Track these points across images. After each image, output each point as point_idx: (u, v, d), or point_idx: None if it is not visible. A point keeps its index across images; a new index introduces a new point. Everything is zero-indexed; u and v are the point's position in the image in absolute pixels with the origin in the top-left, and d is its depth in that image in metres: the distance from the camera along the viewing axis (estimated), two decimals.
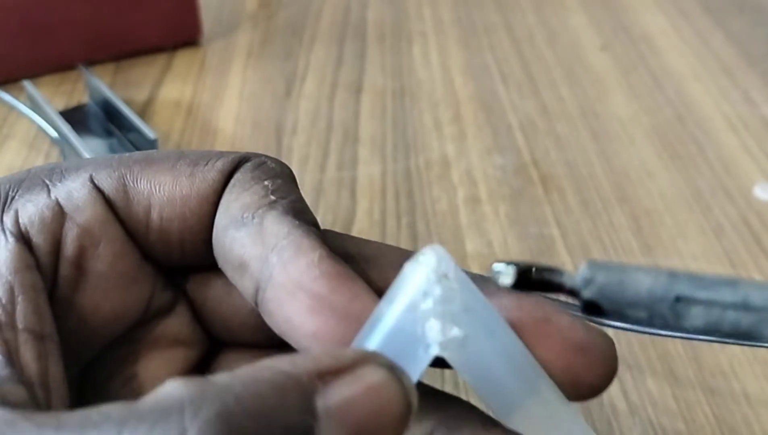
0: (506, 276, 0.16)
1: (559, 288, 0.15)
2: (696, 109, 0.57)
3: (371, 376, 0.16)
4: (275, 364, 0.16)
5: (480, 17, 0.70)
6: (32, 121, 0.53)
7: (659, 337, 0.39)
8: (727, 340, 0.34)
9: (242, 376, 0.16)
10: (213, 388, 0.15)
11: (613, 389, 0.37)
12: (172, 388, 0.15)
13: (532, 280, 0.16)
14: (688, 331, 0.14)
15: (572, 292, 0.15)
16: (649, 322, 0.14)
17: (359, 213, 0.48)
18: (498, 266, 0.16)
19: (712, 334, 0.14)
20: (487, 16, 0.70)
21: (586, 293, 0.15)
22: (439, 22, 0.69)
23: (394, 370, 0.16)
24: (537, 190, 0.50)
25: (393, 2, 0.72)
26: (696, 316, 0.14)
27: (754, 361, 0.39)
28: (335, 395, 0.16)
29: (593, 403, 0.37)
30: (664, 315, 0.14)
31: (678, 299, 0.14)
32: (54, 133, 0.50)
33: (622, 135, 0.55)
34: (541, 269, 0.16)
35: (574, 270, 0.15)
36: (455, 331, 0.18)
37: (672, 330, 0.14)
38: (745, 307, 0.13)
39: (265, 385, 0.15)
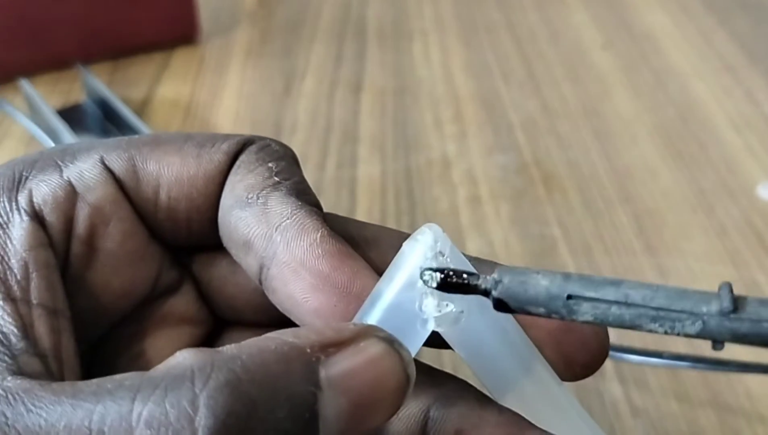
0: (432, 281, 0.18)
1: (475, 290, 0.17)
2: (699, 108, 0.57)
3: (371, 348, 0.17)
4: (280, 336, 0.17)
5: (481, 15, 0.69)
6: (30, 127, 0.53)
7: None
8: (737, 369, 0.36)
9: (248, 346, 0.16)
10: (221, 357, 0.16)
11: (616, 392, 0.37)
12: (182, 358, 0.16)
13: (452, 283, 0.18)
14: (581, 323, 0.16)
15: (485, 293, 0.17)
16: (548, 317, 0.17)
17: (359, 212, 0.47)
18: (427, 273, 0.18)
19: (601, 324, 0.16)
20: (488, 14, 0.70)
21: (495, 293, 0.17)
22: (439, 20, 0.69)
23: (393, 343, 0.17)
24: (538, 190, 0.49)
25: (393, 0, 0.72)
26: (585, 312, 0.16)
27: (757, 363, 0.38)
28: (337, 366, 0.16)
29: (595, 405, 0.36)
30: (558, 311, 0.16)
31: (569, 297, 0.16)
32: (49, 142, 0.50)
33: (625, 134, 0.54)
34: (460, 274, 0.18)
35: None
36: (450, 307, 0.19)
37: (569, 322, 0.17)
38: (626, 304, 0.16)
39: (270, 355, 0.16)
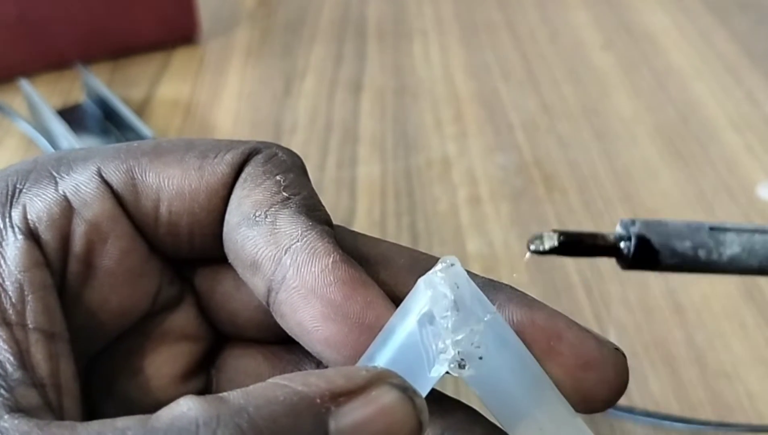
0: (549, 242, 0.16)
1: (603, 245, 0.15)
2: (699, 108, 0.57)
3: (384, 397, 0.16)
4: (288, 383, 0.16)
5: (481, 15, 0.69)
6: (29, 130, 0.53)
7: (660, 335, 0.39)
8: None
9: (255, 395, 0.16)
10: (227, 409, 0.15)
11: None
12: (187, 408, 0.15)
13: (574, 246, 0.16)
14: (729, 263, 0.15)
15: (616, 247, 0.15)
16: (695, 255, 0.15)
17: (359, 213, 0.47)
18: (543, 235, 0.16)
19: (749, 260, 0.15)
20: (488, 13, 0.70)
21: (634, 231, 0.15)
22: (439, 20, 0.69)
23: (407, 390, 0.17)
24: (538, 190, 0.49)
25: (393, 0, 0.72)
26: (732, 241, 0.15)
27: (758, 363, 0.38)
28: (348, 417, 0.16)
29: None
30: (706, 243, 0.15)
31: (712, 229, 0.16)
32: (47, 145, 0.50)
33: (624, 134, 0.54)
34: (580, 235, 0.16)
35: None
36: (467, 348, 0.18)
37: (716, 262, 0.15)
38: (765, 231, 0.15)
39: (278, 406, 0.15)
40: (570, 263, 0.44)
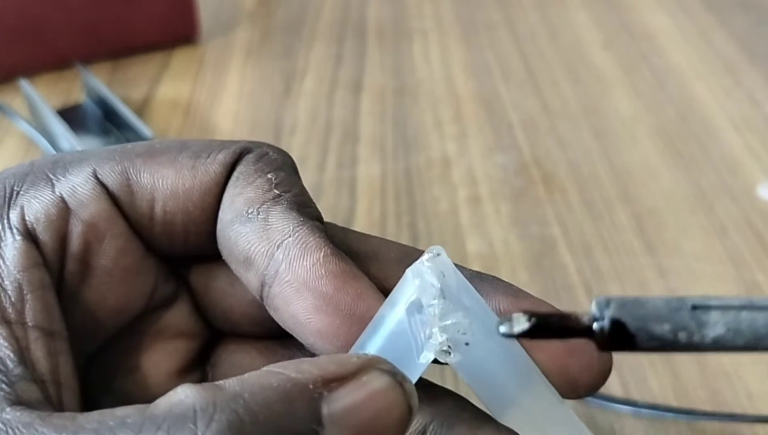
0: (519, 326, 0.15)
1: (576, 327, 0.15)
2: (699, 108, 0.57)
3: (374, 382, 0.17)
4: (282, 371, 0.17)
5: (481, 15, 0.69)
6: (29, 131, 0.53)
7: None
8: None
9: (251, 384, 0.16)
10: (223, 396, 0.16)
11: (616, 390, 0.37)
12: (185, 395, 0.16)
13: (546, 329, 0.15)
14: (713, 344, 0.14)
15: (589, 329, 0.14)
16: (675, 338, 0.14)
17: (359, 213, 0.47)
18: (514, 317, 0.16)
19: (735, 340, 0.14)
20: (488, 13, 0.70)
21: (608, 314, 0.14)
22: (439, 20, 0.69)
23: (396, 375, 0.17)
24: (538, 190, 0.49)
25: (393, 0, 0.72)
26: (716, 321, 0.14)
27: (758, 362, 0.38)
28: (340, 402, 0.16)
29: (594, 403, 0.36)
30: (687, 325, 0.14)
31: (695, 307, 0.14)
32: (47, 145, 0.50)
33: (625, 134, 0.54)
34: (551, 316, 0.15)
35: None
36: (454, 335, 0.18)
37: (699, 344, 0.14)
38: (755, 307, 0.14)
39: (272, 392, 0.16)
40: (569, 262, 0.44)
